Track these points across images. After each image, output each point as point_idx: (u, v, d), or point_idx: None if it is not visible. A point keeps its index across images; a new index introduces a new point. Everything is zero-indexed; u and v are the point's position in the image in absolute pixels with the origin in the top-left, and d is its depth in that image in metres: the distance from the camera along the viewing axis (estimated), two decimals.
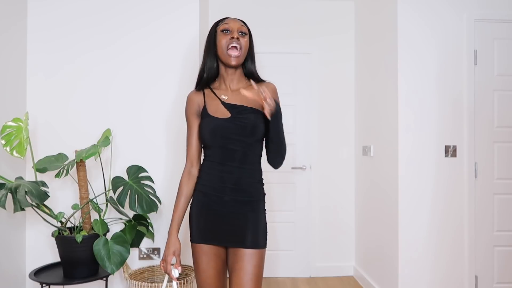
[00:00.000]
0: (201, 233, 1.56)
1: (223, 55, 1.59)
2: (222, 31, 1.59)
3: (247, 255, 1.50)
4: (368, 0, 3.34)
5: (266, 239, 1.57)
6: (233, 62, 1.58)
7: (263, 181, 1.63)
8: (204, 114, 1.59)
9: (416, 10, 2.73)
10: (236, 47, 1.56)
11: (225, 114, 1.56)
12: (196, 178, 1.63)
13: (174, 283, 1.58)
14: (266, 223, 1.59)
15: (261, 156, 1.61)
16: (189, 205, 1.63)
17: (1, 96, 2.27)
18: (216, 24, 1.64)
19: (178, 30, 2.58)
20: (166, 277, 1.66)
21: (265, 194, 1.63)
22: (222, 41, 1.58)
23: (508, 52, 2.75)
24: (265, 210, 1.61)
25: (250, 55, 1.65)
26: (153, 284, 2.10)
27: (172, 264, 1.57)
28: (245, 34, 1.61)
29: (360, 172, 3.53)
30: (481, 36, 2.74)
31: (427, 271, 2.71)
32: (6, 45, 2.32)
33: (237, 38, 1.56)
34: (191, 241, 1.59)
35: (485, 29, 2.74)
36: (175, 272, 1.55)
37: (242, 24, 1.63)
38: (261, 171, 1.63)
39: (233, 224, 1.54)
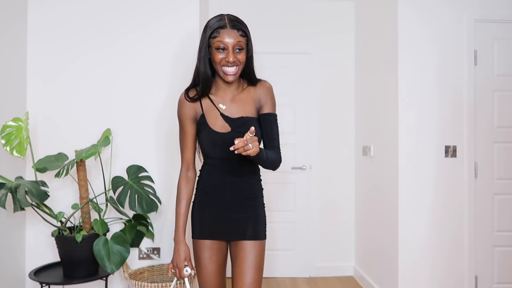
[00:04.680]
0: (204, 230, 1.59)
1: (219, 71, 1.52)
2: (217, 48, 1.47)
3: (248, 246, 1.55)
4: (368, 0, 3.34)
5: (265, 231, 1.62)
6: (230, 79, 1.51)
7: (261, 177, 1.68)
8: (203, 124, 1.55)
9: (416, 10, 2.73)
10: (232, 69, 1.49)
11: (225, 127, 1.54)
12: (194, 180, 1.65)
13: (186, 280, 1.63)
14: (265, 216, 1.64)
15: None
16: (191, 203, 1.66)
17: (1, 96, 2.27)
18: (210, 33, 1.49)
19: (178, 30, 2.57)
20: (175, 280, 1.72)
21: (262, 189, 1.67)
22: (217, 57, 1.48)
23: (508, 52, 2.75)
24: (263, 203, 1.66)
25: (248, 59, 1.55)
26: (153, 284, 2.10)
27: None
28: (242, 49, 1.49)
29: (360, 172, 3.52)
30: (481, 36, 2.74)
31: (427, 271, 2.71)
32: (7, 47, 2.32)
33: (233, 62, 1.46)
34: (193, 237, 1.62)
35: (485, 29, 2.74)
36: (187, 270, 1.59)
37: (239, 36, 1.48)
38: (259, 169, 1.67)
39: (234, 219, 1.57)
